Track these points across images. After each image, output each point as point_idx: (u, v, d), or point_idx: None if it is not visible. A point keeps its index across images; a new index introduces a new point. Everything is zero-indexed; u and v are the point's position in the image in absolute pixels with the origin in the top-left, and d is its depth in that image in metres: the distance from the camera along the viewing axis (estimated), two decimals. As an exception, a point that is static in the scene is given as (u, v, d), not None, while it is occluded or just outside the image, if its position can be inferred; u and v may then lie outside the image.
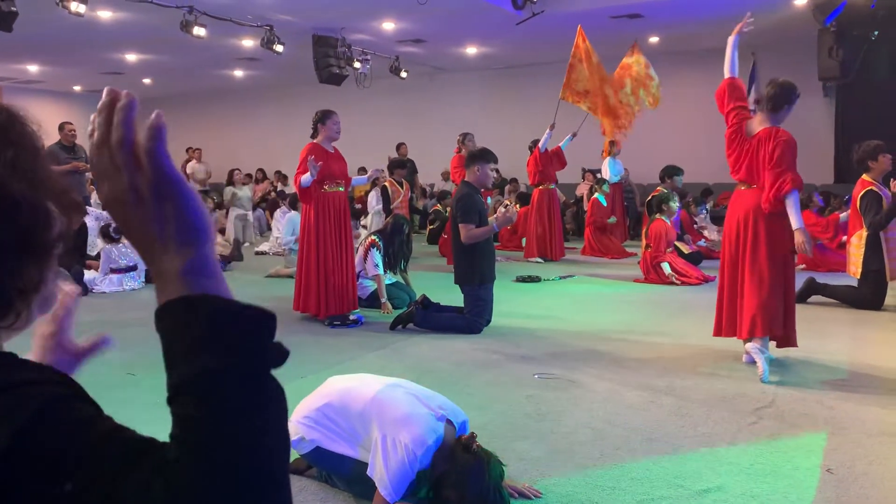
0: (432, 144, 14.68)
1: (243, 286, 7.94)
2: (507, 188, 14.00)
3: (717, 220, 11.19)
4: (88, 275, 7.85)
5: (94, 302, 7.23)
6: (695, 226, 10.48)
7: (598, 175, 12.09)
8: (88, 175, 9.41)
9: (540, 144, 10.00)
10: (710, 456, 3.19)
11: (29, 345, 0.94)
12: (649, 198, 8.96)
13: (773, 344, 4.59)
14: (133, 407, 3.95)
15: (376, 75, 13.38)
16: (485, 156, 5.89)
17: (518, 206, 11.01)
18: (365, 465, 2.66)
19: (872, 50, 10.31)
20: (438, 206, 12.54)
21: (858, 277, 6.40)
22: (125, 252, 7.98)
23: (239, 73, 16.45)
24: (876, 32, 9.97)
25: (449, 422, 2.71)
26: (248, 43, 12.47)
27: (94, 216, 9.34)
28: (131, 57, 14.22)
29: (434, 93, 16.60)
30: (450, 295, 6.16)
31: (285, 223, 9.59)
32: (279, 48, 11.25)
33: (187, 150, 16.50)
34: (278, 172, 16.92)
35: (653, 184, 13.66)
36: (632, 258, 9.86)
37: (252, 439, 0.63)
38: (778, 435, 3.43)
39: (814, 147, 12.15)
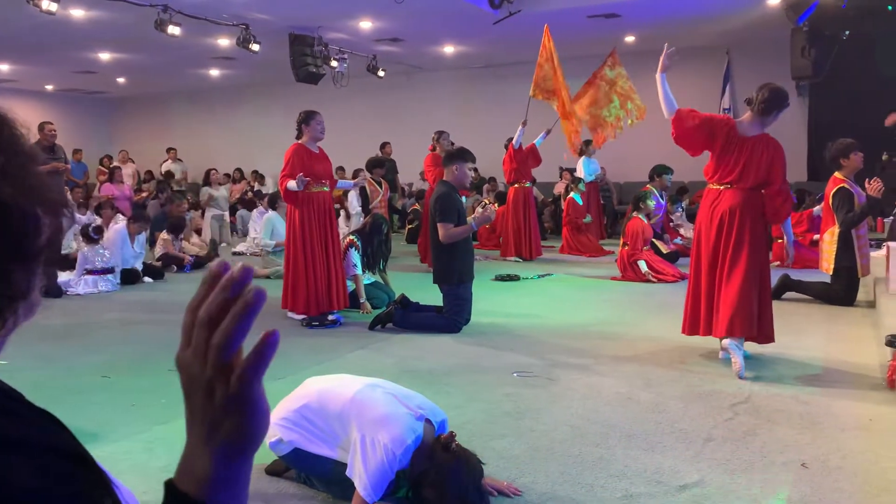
0: (410, 143, 14.65)
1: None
2: (485, 187, 14.02)
3: (693, 217, 11.29)
4: (63, 276, 7.75)
5: (68, 304, 7.14)
6: (671, 224, 10.56)
7: (575, 174, 12.15)
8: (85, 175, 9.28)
9: (514, 141, 10.02)
10: (688, 451, 3.22)
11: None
12: (635, 195, 9.01)
13: (751, 342, 4.65)
14: (108, 409, 3.91)
15: (353, 74, 13.34)
16: (463, 155, 5.89)
17: (496, 205, 11.06)
18: (344, 465, 2.65)
19: (843, 50, 10.45)
20: (417, 206, 12.53)
21: (831, 274, 6.49)
22: (102, 254, 7.89)
23: (215, 72, 16.31)
24: (847, 32, 10.11)
25: (428, 421, 2.71)
26: (224, 42, 12.37)
27: (77, 221, 9.21)
28: (105, 56, 14.05)
29: (411, 92, 16.58)
30: (429, 294, 6.16)
31: (263, 223, 9.52)
32: (255, 47, 11.18)
33: (168, 151, 16.35)
34: (255, 172, 16.82)
35: (630, 182, 13.79)
36: (609, 256, 9.91)
37: None
38: (754, 430, 3.47)
39: (787, 145, 12.21)
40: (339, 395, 2.75)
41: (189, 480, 0.67)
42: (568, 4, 10.57)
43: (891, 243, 6.44)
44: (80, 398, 4.08)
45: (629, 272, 8.19)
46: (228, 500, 0.67)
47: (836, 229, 6.34)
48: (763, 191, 4.53)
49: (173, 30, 9.98)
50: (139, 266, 8.53)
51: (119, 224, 8.80)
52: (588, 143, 11.85)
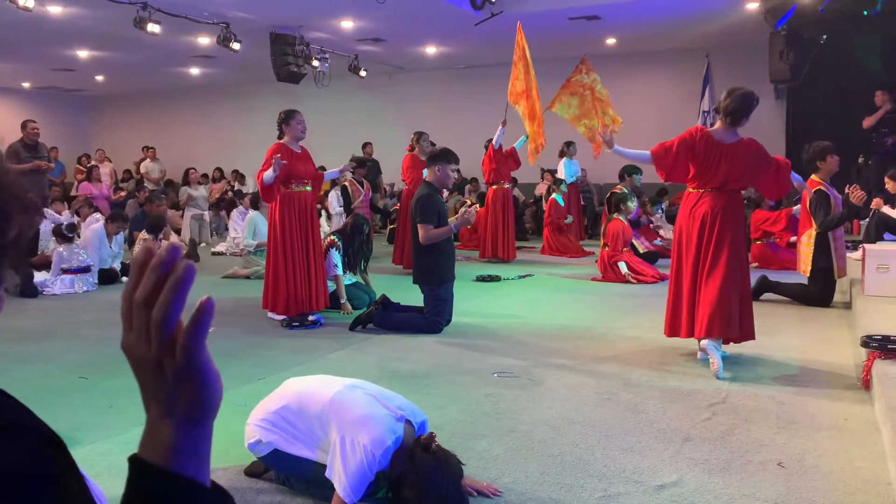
0: (391, 144, 14.63)
1: (201, 287, 7.77)
2: (466, 188, 14.04)
3: (673, 219, 11.37)
4: (39, 276, 7.66)
5: (45, 304, 7.06)
6: (651, 225, 10.63)
7: (556, 175, 12.19)
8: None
9: (493, 141, 10.04)
10: (667, 451, 3.24)
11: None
12: (608, 196, 9.08)
13: (731, 342, 4.70)
14: (86, 410, 3.87)
15: (335, 74, 13.29)
16: (446, 156, 5.88)
17: (478, 205, 11.07)
18: (324, 466, 2.64)
19: (821, 53, 10.58)
20: (398, 206, 12.52)
21: (808, 275, 6.56)
22: (78, 253, 7.80)
23: (195, 70, 16.19)
24: (825, 36, 10.24)
25: (408, 422, 2.71)
26: (204, 40, 12.28)
27: (52, 219, 9.11)
28: (83, 53, 13.89)
29: (393, 92, 16.56)
30: (410, 295, 6.16)
31: (245, 224, 9.46)
32: (236, 46, 11.11)
33: (144, 150, 16.19)
34: (235, 172, 16.71)
35: (610, 183, 13.83)
36: (590, 257, 9.96)
37: None
38: (731, 430, 3.50)
39: (766, 147, 12.44)
40: (319, 396, 2.74)
41: (152, 452, 0.68)
42: (549, 6, 10.61)
43: (867, 245, 6.54)
44: (58, 399, 4.03)
45: (609, 273, 8.24)
46: (193, 468, 0.68)
47: (813, 231, 6.41)
48: (760, 179, 4.67)
49: (153, 28, 9.89)
50: (117, 266, 8.45)
51: (97, 224, 8.71)
52: (569, 144, 11.90)
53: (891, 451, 3.06)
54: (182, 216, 12.50)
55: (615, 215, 8.57)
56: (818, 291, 6.53)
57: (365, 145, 13.59)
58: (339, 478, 2.53)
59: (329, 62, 12.90)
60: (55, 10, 10.16)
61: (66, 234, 7.79)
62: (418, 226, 5.64)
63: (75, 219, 9.61)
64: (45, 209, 9.19)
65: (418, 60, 15.04)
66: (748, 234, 9.34)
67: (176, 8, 10.03)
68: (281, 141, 6.06)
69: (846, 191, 6.32)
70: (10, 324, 6.18)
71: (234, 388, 4.09)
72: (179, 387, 0.67)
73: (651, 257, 8.99)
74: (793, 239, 8.26)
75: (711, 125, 4.83)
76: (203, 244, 11.94)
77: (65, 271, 7.68)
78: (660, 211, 10.92)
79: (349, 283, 6.83)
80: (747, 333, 4.61)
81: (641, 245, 9.28)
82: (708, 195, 4.58)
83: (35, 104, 18.37)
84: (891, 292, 5.82)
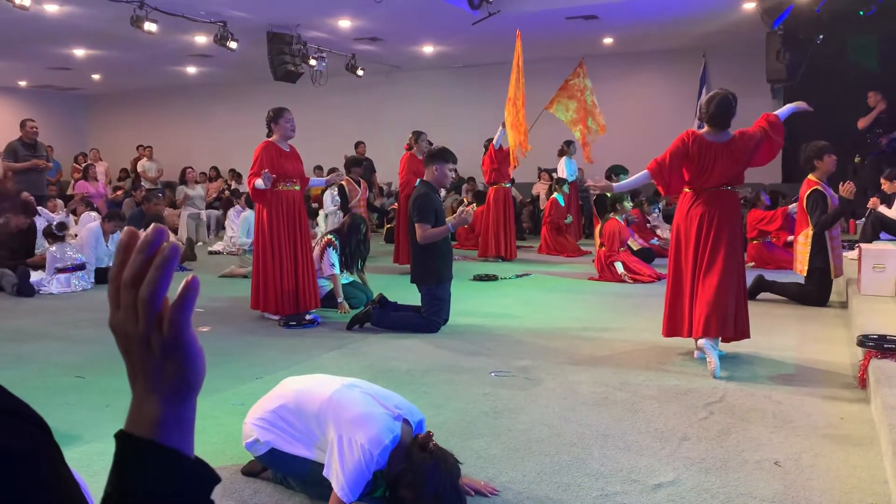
0: (389, 143, 14.64)
1: (197, 286, 7.80)
2: (464, 187, 14.04)
3: (670, 218, 11.38)
4: (35, 276, 7.65)
5: (41, 303, 7.04)
6: (648, 225, 10.64)
7: (555, 174, 12.20)
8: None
9: (494, 141, 10.06)
10: (664, 451, 3.25)
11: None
12: (595, 197, 9.11)
13: (727, 340, 4.71)
14: (82, 410, 3.86)
15: (332, 73, 13.29)
16: (444, 155, 5.88)
17: (475, 204, 11.08)
18: (321, 466, 2.64)
19: (818, 53, 10.61)
20: (396, 205, 12.51)
21: (805, 275, 6.57)
22: (70, 251, 7.78)
23: (192, 69, 16.17)
24: (821, 36, 10.26)
25: (406, 421, 2.71)
26: (201, 39, 12.26)
27: (46, 218, 9.10)
28: (79, 52, 13.86)
29: (391, 91, 16.55)
30: (407, 294, 6.16)
31: (241, 222, 9.46)
32: (233, 45, 11.10)
33: (138, 148, 16.17)
34: (232, 171, 16.70)
35: (607, 183, 13.85)
36: (587, 257, 9.97)
37: None
38: (728, 429, 3.51)
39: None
40: (317, 395, 2.74)
41: (139, 426, 0.70)
42: (547, 6, 10.62)
43: (863, 245, 6.55)
44: (54, 398, 4.03)
45: (606, 273, 8.25)
46: (178, 440, 0.70)
47: (809, 231, 6.42)
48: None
49: (150, 26, 9.88)
50: (114, 265, 8.43)
51: (93, 222, 8.70)
52: (569, 143, 11.91)
53: (887, 450, 3.07)
54: (179, 215, 12.48)
55: (611, 215, 8.58)
56: (814, 291, 6.54)
57: (357, 144, 13.59)
58: (337, 477, 2.53)
59: (326, 61, 12.89)
60: (52, 8, 10.14)
61: (56, 234, 7.77)
62: (416, 225, 5.64)
63: (69, 217, 9.60)
64: (40, 208, 9.17)
65: (416, 60, 15.04)
66: (745, 233, 9.36)
67: (173, 7, 10.02)
68: (270, 139, 6.03)
69: (839, 187, 6.33)
70: (6, 323, 6.17)
71: (231, 388, 4.08)
72: (166, 362, 0.69)
73: (647, 256, 9.00)
74: (790, 238, 8.27)
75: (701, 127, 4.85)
76: (200, 243, 11.93)
77: (59, 270, 7.66)
78: (657, 210, 10.93)
79: (346, 282, 6.83)
80: (742, 331, 4.62)
81: (636, 242, 9.29)
82: (704, 195, 4.59)
83: (31, 103, 18.34)
84: (887, 292, 5.84)
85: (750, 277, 6.92)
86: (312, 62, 12.35)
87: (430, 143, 9.29)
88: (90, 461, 3.06)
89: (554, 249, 10.67)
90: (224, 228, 12.86)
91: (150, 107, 19.63)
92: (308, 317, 5.99)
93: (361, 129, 15.79)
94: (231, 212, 11.18)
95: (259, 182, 5.74)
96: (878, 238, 7.70)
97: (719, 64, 13.38)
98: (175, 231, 11.99)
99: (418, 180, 6.14)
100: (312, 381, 2.90)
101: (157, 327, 0.69)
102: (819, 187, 6.39)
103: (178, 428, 0.71)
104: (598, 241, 8.61)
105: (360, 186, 9.86)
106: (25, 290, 7.30)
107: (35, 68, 15.75)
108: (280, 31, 11.62)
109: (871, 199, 8.26)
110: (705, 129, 4.66)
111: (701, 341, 4.52)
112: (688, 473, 3.01)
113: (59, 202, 10.85)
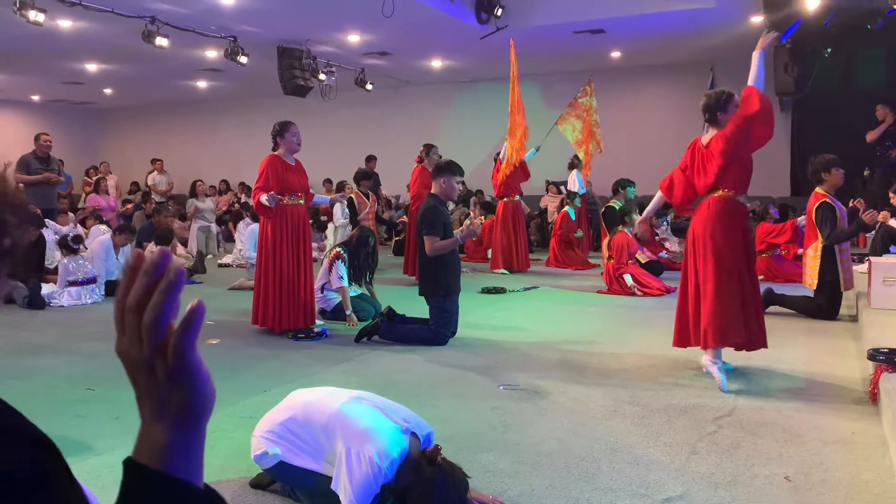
0: (398, 157, 14.69)
1: (206, 299, 7.73)
2: (472, 200, 14.07)
3: (678, 231, 11.37)
4: (46, 289, 7.69)
5: (52, 316, 7.08)
6: (656, 237, 10.63)
7: (563, 188, 12.21)
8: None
9: (501, 155, 10.11)
10: (673, 465, 3.24)
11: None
12: (602, 210, 9.15)
13: (734, 350, 4.69)
14: (92, 422, 3.88)
15: (341, 87, 13.37)
16: (451, 168, 5.90)
17: (483, 216, 11.10)
18: (329, 479, 2.64)
19: (826, 66, 10.62)
20: (405, 218, 12.54)
21: (815, 288, 6.55)
22: (83, 264, 7.83)
23: (202, 83, 16.30)
24: (829, 49, 10.26)
25: (414, 434, 2.71)
26: (212, 54, 12.37)
27: (53, 230, 9.16)
28: (92, 67, 14.01)
29: (399, 105, 16.64)
30: (415, 306, 6.16)
31: (248, 235, 9.50)
32: (243, 59, 11.19)
33: (153, 162, 16.29)
34: (242, 184, 16.79)
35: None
36: (595, 270, 9.96)
37: None
38: (738, 443, 3.49)
39: (770, 160, 12.41)
40: (325, 408, 2.74)
41: (146, 454, 0.69)
42: (554, 20, 10.67)
43: (872, 258, 6.52)
44: (64, 411, 4.04)
45: (615, 285, 8.23)
46: (185, 469, 0.69)
47: (819, 244, 6.40)
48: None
49: (161, 41, 9.98)
50: (124, 278, 8.48)
51: (104, 235, 8.76)
52: (578, 157, 11.92)
53: (898, 465, 3.04)
54: (189, 228, 12.55)
55: (620, 227, 8.58)
56: (824, 304, 6.51)
57: (369, 159, 13.65)
58: (345, 490, 2.53)
59: (336, 76, 12.98)
60: (65, 24, 10.26)
61: (71, 246, 7.83)
62: (424, 237, 5.66)
63: (77, 227, 9.66)
64: (48, 221, 9.24)
65: (424, 74, 15.12)
66: (751, 243, 9.33)
67: (184, 22, 10.12)
68: (275, 153, 6.02)
69: (850, 204, 6.31)
70: (18, 336, 6.20)
71: (240, 400, 4.09)
72: (172, 389, 0.68)
73: (656, 268, 8.98)
74: (800, 251, 8.24)
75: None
76: (210, 256, 11.97)
77: (71, 283, 7.71)
78: (665, 223, 10.92)
79: (355, 294, 6.84)
80: (754, 341, 4.56)
81: (644, 255, 9.28)
82: (703, 201, 4.60)
83: (44, 117, 18.52)
84: (897, 305, 5.81)
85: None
86: (322, 76, 12.43)
87: (441, 157, 9.33)
88: (100, 474, 3.07)
89: (563, 262, 10.67)
90: (224, 242, 12.93)
91: (161, 120, 19.79)
92: (316, 329, 6.00)
93: (370, 142, 15.86)
94: (241, 224, 11.23)
95: (264, 198, 5.73)
96: (887, 251, 7.67)
97: (727, 77, 13.34)
98: (185, 244, 12.04)
99: (428, 193, 6.16)
100: (321, 393, 2.91)
101: (161, 353, 0.67)
102: (827, 200, 6.37)
103: (185, 456, 0.69)
104: (606, 253, 8.60)
105: (368, 199, 9.90)
106: (36, 302, 7.35)
107: (48, 83, 15.92)
108: (290, 45, 11.71)
109: (882, 213, 8.23)
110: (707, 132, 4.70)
111: (703, 359, 4.51)
112: (697, 488, 2.99)
113: (71, 215, 10.93)
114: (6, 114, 18.00)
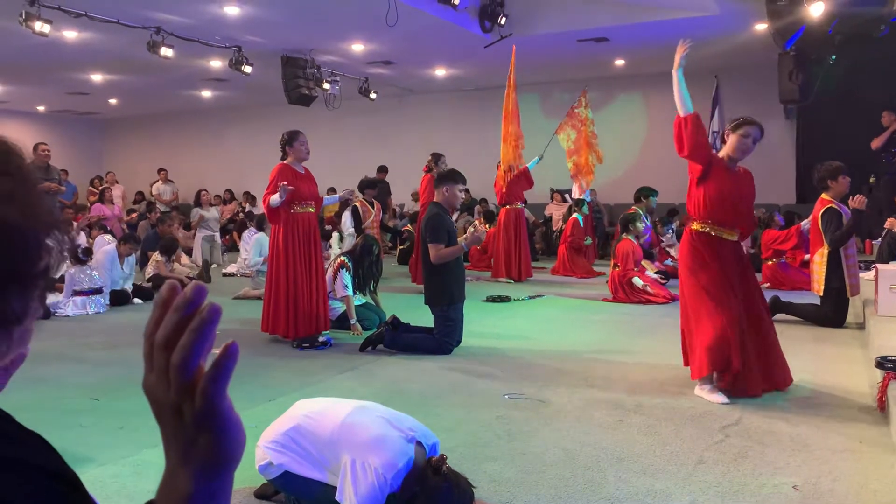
0: (402, 165, 14.71)
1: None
2: (476, 208, 14.07)
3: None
4: (51, 298, 7.70)
5: (56, 326, 7.09)
6: (662, 244, 10.61)
7: (568, 196, 12.21)
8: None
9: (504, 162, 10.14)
10: (679, 474, 3.21)
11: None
12: (622, 216, 9.15)
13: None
14: (96, 432, 3.87)
15: (345, 96, 13.40)
16: (453, 177, 5.93)
17: (487, 225, 11.10)
18: (334, 489, 2.63)
19: (831, 74, 10.60)
20: (409, 227, 12.55)
21: (821, 295, 6.51)
22: (90, 274, 7.84)
23: (207, 93, 16.36)
24: (834, 57, 10.25)
25: (419, 444, 2.70)
26: (216, 64, 12.42)
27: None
28: (97, 77, 14.08)
29: (403, 114, 16.67)
30: (420, 315, 6.15)
31: (252, 244, 9.51)
32: (247, 69, 11.23)
33: (159, 172, 16.35)
34: (247, 193, 16.83)
35: (621, 203, 13.86)
36: (600, 278, 9.94)
37: None
38: (745, 452, 3.47)
39: (776, 167, 12.43)
40: (330, 418, 2.73)
41: (169, 499, 0.66)
42: (557, 28, 10.69)
43: (879, 265, 6.49)
44: (68, 420, 4.04)
45: (620, 293, 8.21)
46: None
47: (825, 250, 6.37)
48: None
49: (166, 52, 10.02)
50: (129, 287, 8.49)
51: (109, 245, 8.77)
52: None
53: (908, 474, 3.02)
54: (194, 237, 12.57)
55: (624, 235, 8.57)
56: (831, 311, 6.48)
57: (380, 169, 13.68)
58: (350, 500, 2.52)
59: (339, 85, 13.02)
60: (70, 35, 10.31)
61: (80, 257, 7.83)
62: (429, 245, 5.66)
63: (83, 239, 9.68)
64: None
65: (428, 83, 15.15)
66: (759, 254, 9.31)
67: (188, 32, 10.17)
68: (285, 162, 6.08)
69: (850, 201, 6.28)
70: (22, 345, 6.20)
71: (244, 410, 4.08)
72: (199, 433, 0.64)
73: (662, 277, 8.96)
74: (807, 257, 8.22)
75: (718, 149, 4.81)
76: (214, 265, 11.98)
77: (76, 293, 7.71)
78: (670, 231, 10.90)
79: (359, 303, 6.84)
80: (737, 383, 4.31)
81: (651, 265, 9.26)
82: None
83: (49, 127, 18.60)
84: (904, 313, 5.77)
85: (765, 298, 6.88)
86: (326, 86, 12.47)
87: (447, 166, 9.36)
88: (104, 484, 3.06)
89: (569, 270, 10.66)
90: (227, 251, 12.94)
91: (166, 130, 19.86)
92: (321, 338, 6.00)
93: (374, 151, 15.90)
94: (245, 234, 11.25)
95: (275, 198, 5.78)
96: (894, 258, 7.64)
97: (732, 85, 13.39)
98: (189, 253, 12.06)
99: (431, 202, 6.17)
100: (325, 403, 2.90)
101: (189, 395, 0.63)
102: (833, 205, 6.35)
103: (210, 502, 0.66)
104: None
105: (373, 208, 9.91)
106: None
107: (53, 93, 15.99)
108: (294, 55, 11.76)
109: (889, 220, 8.20)
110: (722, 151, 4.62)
111: (696, 390, 4.42)
112: (704, 497, 2.97)
113: (75, 225, 10.96)
114: (12, 124, 18.07)
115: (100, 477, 3.15)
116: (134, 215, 14.28)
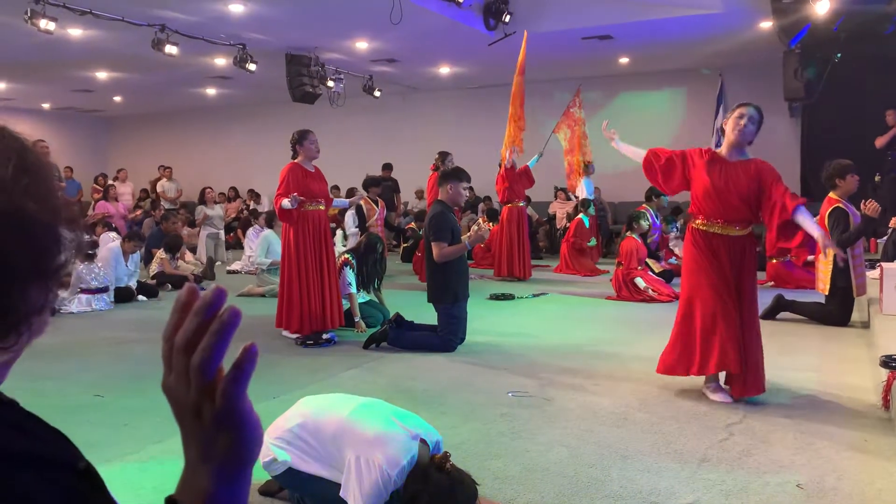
0: (406, 163, 14.70)
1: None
2: (480, 206, 14.06)
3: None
4: (56, 295, 7.72)
5: (61, 323, 7.10)
6: (669, 243, 10.59)
7: (572, 195, 12.20)
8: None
9: (506, 160, 10.12)
10: (683, 472, 3.21)
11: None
12: (630, 214, 9.18)
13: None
14: (101, 428, 3.88)
15: (350, 94, 13.40)
16: (457, 175, 5.93)
17: (491, 223, 11.09)
18: (338, 486, 2.63)
19: (835, 71, 10.57)
20: (413, 225, 12.55)
21: (827, 294, 6.49)
22: (98, 273, 7.85)
23: (211, 91, 16.37)
24: (839, 54, 10.22)
25: (423, 441, 2.70)
26: (221, 61, 12.43)
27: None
28: (101, 75, 14.10)
29: (407, 112, 16.66)
30: (424, 313, 6.15)
31: (259, 242, 9.52)
32: (252, 67, 11.23)
33: (159, 169, 16.36)
34: (251, 191, 16.83)
35: (626, 202, 13.85)
36: (604, 276, 9.93)
37: None
38: (749, 451, 3.46)
39: (781, 165, 12.31)
40: (334, 415, 2.74)
41: (189, 496, 0.68)
42: (562, 26, 10.67)
43: (884, 264, 6.47)
44: (73, 417, 4.05)
45: (624, 291, 8.20)
46: None
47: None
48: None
49: (170, 49, 10.03)
50: (133, 284, 8.51)
51: (113, 242, 8.78)
52: (587, 164, 11.90)
53: (912, 473, 3.01)
54: (198, 235, 12.59)
55: (628, 233, 8.56)
56: (836, 310, 6.46)
57: (385, 167, 13.67)
58: (354, 497, 2.52)
59: (344, 83, 13.02)
60: (75, 32, 10.33)
61: (87, 253, 7.84)
62: (432, 244, 5.67)
63: (89, 236, 9.69)
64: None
65: (432, 80, 15.14)
66: (763, 252, 9.28)
67: (193, 30, 10.17)
68: (295, 161, 6.14)
69: (861, 205, 6.25)
70: (27, 342, 6.22)
71: (249, 407, 4.08)
72: (218, 433, 0.66)
73: (666, 275, 8.94)
74: (810, 258, 8.19)
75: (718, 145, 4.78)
76: (219, 263, 12.00)
77: (82, 290, 7.73)
78: (675, 229, 10.87)
79: (363, 301, 6.84)
80: (744, 384, 4.22)
81: (657, 265, 9.24)
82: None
83: (54, 124, 18.64)
84: (910, 311, 5.76)
85: (769, 297, 6.87)
86: (330, 83, 12.47)
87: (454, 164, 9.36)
88: (109, 480, 3.04)
89: (573, 269, 10.64)
90: (231, 248, 12.95)
91: (171, 128, 19.88)
92: (325, 336, 6.01)
93: (379, 149, 15.89)
94: (250, 231, 11.26)
95: (286, 202, 5.84)
96: (899, 257, 7.61)
97: (737, 82, 13.35)
98: (194, 251, 12.08)
99: (435, 200, 6.18)
100: (330, 400, 2.90)
101: (209, 396, 0.65)
102: (841, 205, 6.32)
103: (229, 501, 0.68)
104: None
105: (377, 206, 9.91)
106: (46, 309, 7.37)
107: (58, 91, 16.02)
108: (298, 53, 11.76)
109: (893, 219, 8.17)
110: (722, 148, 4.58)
111: (703, 389, 4.42)
112: (708, 496, 2.96)
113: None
114: (17, 121, 17.63)
115: (105, 473, 3.12)
116: (139, 212, 14.30)
